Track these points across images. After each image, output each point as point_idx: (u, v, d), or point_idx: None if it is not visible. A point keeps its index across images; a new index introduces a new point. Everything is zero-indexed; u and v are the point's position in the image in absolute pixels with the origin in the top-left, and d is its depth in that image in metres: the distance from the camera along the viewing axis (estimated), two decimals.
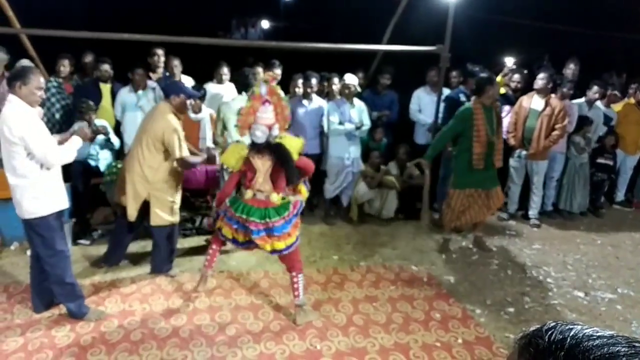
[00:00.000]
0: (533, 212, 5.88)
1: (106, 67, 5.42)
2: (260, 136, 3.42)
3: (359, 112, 5.43)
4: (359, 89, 5.63)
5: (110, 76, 5.48)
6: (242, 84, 4.94)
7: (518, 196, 5.94)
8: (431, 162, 4.85)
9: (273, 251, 3.50)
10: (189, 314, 3.64)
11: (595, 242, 5.51)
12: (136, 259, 4.44)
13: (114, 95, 5.40)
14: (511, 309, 4.01)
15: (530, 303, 4.14)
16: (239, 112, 3.57)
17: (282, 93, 3.57)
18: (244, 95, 4.67)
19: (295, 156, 3.51)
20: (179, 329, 3.46)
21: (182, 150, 3.90)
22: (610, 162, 6.23)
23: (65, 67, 5.27)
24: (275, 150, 3.45)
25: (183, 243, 4.85)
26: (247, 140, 3.60)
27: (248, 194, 3.49)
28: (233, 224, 3.49)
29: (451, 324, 3.72)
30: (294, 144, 3.54)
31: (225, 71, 5.58)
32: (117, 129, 5.31)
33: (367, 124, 5.49)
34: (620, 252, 5.26)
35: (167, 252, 4.20)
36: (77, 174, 4.73)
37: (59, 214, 3.35)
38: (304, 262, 4.56)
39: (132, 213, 4.00)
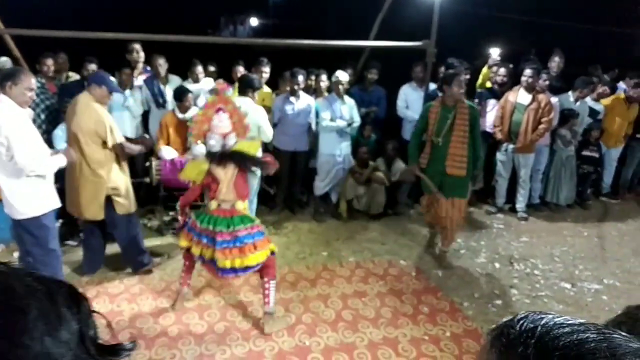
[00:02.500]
0: (520, 205, 5.93)
1: (93, 66, 5.37)
2: (214, 145, 3.36)
3: (349, 109, 5.43)
4: (348, 86, 5.64)
5: None
6: (245, 86, 4.81)
7: (505, 189, 5.98)
8: (416, 163, 4.53)
9: (233, 269, 3.31)
10: (177, 313, 3.64)
11: (582, 233, 5.56)
12: (121, 259, 4.43)
13: None
14: (499, 302, 4.05)
15: (517, 295, 4.19)
16: (191, 120, 3.54)
17: (236, 102, 3.50)
18: (245, 98, 4.63)
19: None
20: (168, 328, 3.46)
21: (115, 137, 3.78)
22: (596, 155, 6.29)
23: (48, 66, 5.22)
24: (233, 157, 3.39)
25: (172, 242, 4.84)
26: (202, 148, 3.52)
27: (213, 204, 3.40)
28: (202, 239, 3.38)
29: (439, 318, 3.75)
30: (250, 147, 3.55)
31: (200, 69, 5.56)
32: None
33: (357, 120, 5.51)
34: (607, 244, 5.32)
35: (140, 242, 4.16)
36: (63, 175, 4.70)
37: (52, 213, 3.34)
38: (294, 259, 4.62)
39: (95, 213, 3.87)
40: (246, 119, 3.52)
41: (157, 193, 4.99)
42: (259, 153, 3.86)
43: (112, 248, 4.48)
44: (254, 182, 4.79)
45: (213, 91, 3.45)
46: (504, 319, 0.66)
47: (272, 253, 3.50)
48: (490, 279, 4.44)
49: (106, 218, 3.96)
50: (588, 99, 6.26)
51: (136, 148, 4.09)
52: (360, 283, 4.24)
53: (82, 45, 5.55)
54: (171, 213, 5.37)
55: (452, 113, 4.31)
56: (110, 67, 5.55)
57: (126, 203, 3.98)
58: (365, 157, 5.63)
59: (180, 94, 4.91)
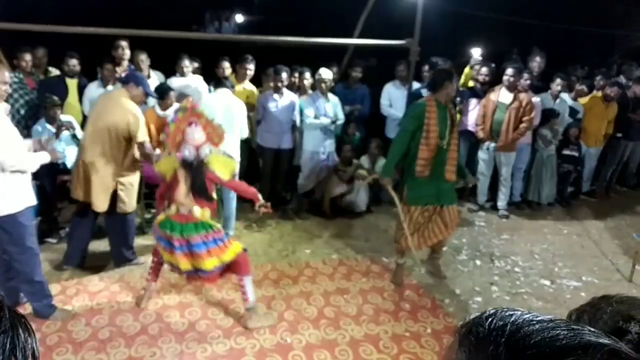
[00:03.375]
0: (502, 203, 5.99)
1: (74, 62, 5.30)
2: (188, 156, 3.35)
3: (333, 106, 5.44)
4: (332, 83, 5.65)
5: (77, 71, 5.36)
6: (221, 84, 4.84)
7: (487, 187, 6.04)
8: (391, 176, 4.09)
9: (195, 270, 3.35)
10: (157, 311, 3.61)
11: (561, 231, 5.64)
12: (103, 257, 4.38)
13: (80, 90, 5.29)
14: (479, 299, 4.10)
15: (498, 292, 4.24)
16: (163, 132, 3.69)
17: (207, 114, 3.49)
18: (224, 89, 4.66)
19: (226, 176, 3.48)
20: (148, 326, 3.43)
21: (144, 134, 3.99)
22: (576, 154, 6.38)
23: (26, 61, 5.13)
24: (193, 166, 3.36)
25: (153, 240, 4.79)
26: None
27: (172, 209, 3.36)
28: (161, 242, 3.41)
29: (420, 314, 3.78)
30: (224, 165, 3.52)
31: (187, 64, 5.50)
32: (84, 125, 5.21)
33: (341, 118, 5.51)
34: (586, 242, 5.40)
35: (131, 239, 4.28)
36: (44, 172, 4.61)
37: (28, 210, 3.28)
38: (277, 256, 4.61)
39: (102, 205, 3.97)
40: (218, 128, 3.46)
41: (139, 190, 4.93)
42: (235, 171, 3.85)
43: (92, 245, 4.44)
44: (236, 178, 4.77)
45: (182, 109, 3.43)
46: (471, 316, 0.65)
47: (245, 250, 3.53)
48: (471, 276, 4.49)
49: (106, 212, 4.06)
50: (567, 98, 6.35)
51: (152, 151, 4.17)
52: (343, 280, 4.25)
53: (63, 40, 5.46)
54: (152, 211, 5.32)
55: (446, 112, 3.98)
56: (91, 62, 5.49)
57: (128, 202, 4.09)
58: (350, 155, 5.64)
59: (162, 92, 4.87)
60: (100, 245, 4.49)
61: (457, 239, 5.23)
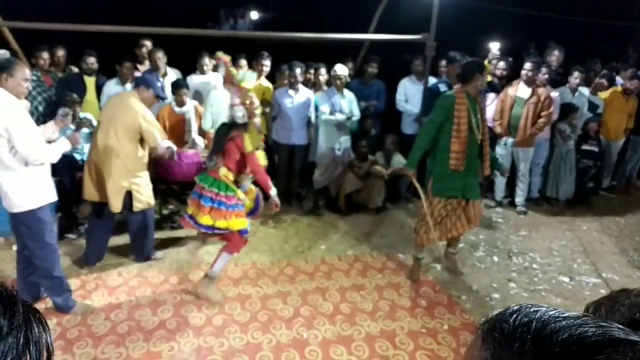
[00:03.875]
0: (519, 199, 5.92)
1: (92, 60, 5.37)
2: (241, 116, 3.67)
3: (349, 103, 5.42)
4: (348, 79, 5.63)
5: (95, 69, 5.43)
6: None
7: (505, 183, 5.98)
8: (416, 169, 4.04)
9: (207, 227, 3.64)
10: (175, 305, 3.65)
11: (580, 228, 5.56)
12: (122, 251, 4.44)
13: (98, 88, 5.36)
14: (497, 295, 4.06)
15: (515, 289, 4.19)
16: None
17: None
18: None
19: (248, 147, 3.65)
20: (166, 320, 3.47)
21: (157, 138, 3.99)
22: (596, 149, 6.27)
23: (44, 59, 5.21)
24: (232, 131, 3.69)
25: (170, 236, 4.85)
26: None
27: (211, 164, 3.77)
28: (194, 195, 3.72)
29: (437, 311, 3.76)
30: (252, 138, 3.69)
31: (207, 62, 5.53)
32: None
33: (357, 114, 5.49)
34: (605, 238, 5.32)
35: (150, 235, 4.33)
36: (63, 168, 4.69)
37: (48, 206, 3.34)
38: (292, 252, 4.63)
39: (117, 205, 4.00)
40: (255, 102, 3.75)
41: (156, 186, 4.98)
42: (260, 146, 3.97)
43: (111, 241, 4.50)
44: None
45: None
46: (494, 312, 0.63)
47: (242, 232, 3.68)
48: (489, 272, 4.45)
49: (124, 210, 4.10)
50: (586, 92, 6.25)
51: (170, 145, 4.20)
52: (359, 276, 4.25)
53: (81, 38, 5.54)
54: (170, 207, 5.38)
55: (475, 104, 3.92)
56: (109, 60, 5.55)
57: (144, 199, 4.11)
58: (365, 151, 5.62)
59: (176, 87, 4.90)
60: (120, 240, 4.55)
61: (475, 235, 5.19)
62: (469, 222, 4.10)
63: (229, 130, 3.70)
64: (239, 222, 3.61)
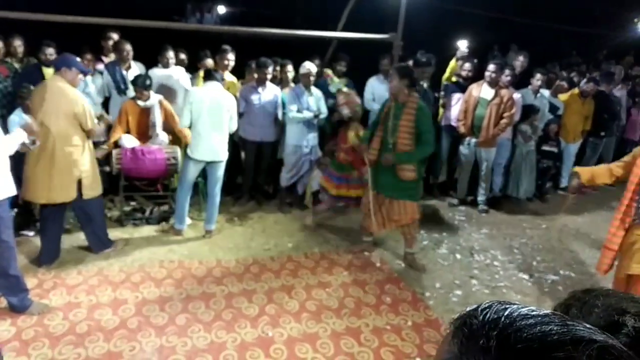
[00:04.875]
0: (481, 198, 6.05)
1: (50, 50, 5.18)
2: (348, 113, 4.94)
3: (316, 100, 5.40)
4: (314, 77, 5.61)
5: (54, 61, 5.24)
6: (211, 77, 4.73)
7: (467, 182, 6.10)
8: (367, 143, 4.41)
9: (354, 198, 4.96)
10: (137, 304, 3.57)
11: (540, 226, 5.73)
12: (81, 250, 4.32)
13: None
14: (459, 292, 4.14)
15: (477, 286, 4.28)
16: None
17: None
18: (215, 84, 4.58)
19: (352, 140, 4.81)
20: (127, 320, 3.39)
21: (92, 120, 3.95)
22: (555, 149, 6.47)
23: None
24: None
25: (133, 233, 4.75)
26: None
27: (342, 155, 4.95)
28: (334, 180, 4.93)
29: (401, 307, 3.81)
30: (356, 133, 4.85)
31: (171, 55, 5.42)
32: None
33: (324, 112, 5.48)
34: (563, 236, 5.50)
35: (104, 224, 4.30)
36: (20, 162, 4.52)
37: (6, 201, 3.20)
38: (258, 250, 4.60)
39: (72, 194, 3.92)
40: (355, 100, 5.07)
41: (118, 182, 4.86)
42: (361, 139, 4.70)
43: (71, 239, 4.38)
44: (220, 172, 4.73)
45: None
46: (467, 308, 0.64)
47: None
48: (452, 269, 4.53)
49: (74, 201, 4.00)
50: (546, 93, 6.43)
51: (101, 130, 4.22)
52: (325, 274, 4.25)
53: (40, 29, 5.34)
54: (132, 203, 5.26)
55: (401, 111, 4.15)
56: (73, 52, 5.36)
57: (95, 186, 4.07)
58: (333, 149, 5.62)
59: (140, 82, 4.79)
60: (79, 239, 4.43)
61: (438, 232, 5.28)
62: (394, 220, 4.39)
63: (337, 125, 4.99)
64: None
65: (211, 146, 4.57)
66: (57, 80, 3.82)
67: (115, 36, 5.46)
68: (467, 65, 6.00)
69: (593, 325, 0.55)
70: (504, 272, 4.57)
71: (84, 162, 3.94)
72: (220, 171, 4.71)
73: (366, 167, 4.47)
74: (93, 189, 4.05)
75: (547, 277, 4.52)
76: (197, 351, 3.13)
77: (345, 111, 4.91)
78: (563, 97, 6.60)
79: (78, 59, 4.13)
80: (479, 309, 0.60)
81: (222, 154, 4.65)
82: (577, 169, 3.54)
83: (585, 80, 6.51)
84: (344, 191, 4.95)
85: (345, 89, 5.38)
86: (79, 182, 3.95)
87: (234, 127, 4.80)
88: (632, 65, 8.95)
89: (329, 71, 5.20)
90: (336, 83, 5.32)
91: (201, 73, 5.40)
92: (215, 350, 3.15)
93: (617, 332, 0.57)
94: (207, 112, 4.49)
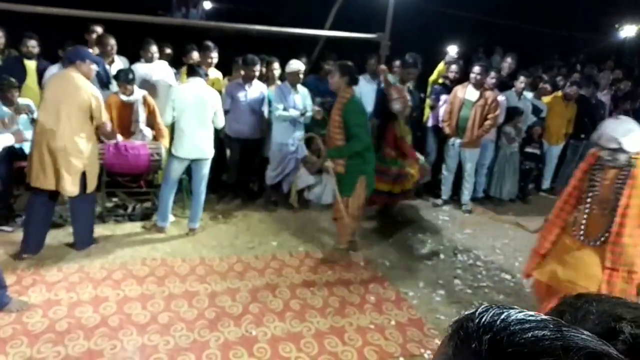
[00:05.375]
0: (465, 199, 6.10)
1: (32, 43, 5.09)
2: (399, 108, 5.02)
3: (303, 98, 5.39)
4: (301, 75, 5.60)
5: (36, 53, 5.15)
6: (194, 73, 4.66)
7: (451, 183, 6.14)
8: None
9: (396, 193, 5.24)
10: (118, 302, 3.52)
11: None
12: (62, 246, 4.24)
13: (40, 73, 5.08)
14: (442, 292, 4.16)
15: (460, 285, 4.31)
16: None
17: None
18: (197, 78, 4.52)
19: (402, 132, 5.15)
20: (108, 318, 3.34)
21: (106, 115, 4.05)
22: (538, 152, 6.55)
23: None
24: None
25: (115, 230, 4.68)
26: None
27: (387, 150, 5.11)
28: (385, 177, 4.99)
29: (385, 307, 3.81)
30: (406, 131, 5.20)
31: (155, 49, 5.35)
32: None
33: (310, 110, 5.47)
34: None
35: (93, 220, 4.32)
36: (0, 157, 4.43)
37: None
38: (243, 248, 4.57)
39: (74, 189, 3.92)
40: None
41: (100, 178, 4.78)
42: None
43: (51, 235, 4.29)
44: (206, 170, 4.68)
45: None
46: (466, 312, 0.65)
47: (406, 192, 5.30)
48: (435, 269, 4.56)
49: (74, 195, 4.01)
50: (529, 96, 6.51)
51: (111, 129, 4.27)
52: (309, 273, 4.24)
53: (23, 21, 5.23)
54: (114, 199, 5.18)
55: (341, 106, 4.28)
56: (52, 44, 5.28)
57: (95, 180, 4.11)
58: (319, 147, 5.61)
59: (124, 77, 4.72)
60: (60, 234, 4.35)
61: (422, 232, 5.31)
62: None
63: (387, 118, 5.04)
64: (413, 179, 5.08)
65: (196, 144, 4.51)
66: (73, 72, 3.86)
67: (99, 30, 5.38)
68: (454, 68, 6.05)
69: (589, 332, 0.55)
70: (486, 272, 4.61)
71: (88, 154, 3.97)
72: (206, 169, 4.66)
73: (412, 158, 5.14)
74: (93, 182, 4.10)
75: (530, 278, 4.56)
76: (179, 350, 3.09)
77: (397, 105, 4.97)
78: (546, 99, 6.69)
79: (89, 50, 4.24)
80: (477, 312, 0.60)
81: (207, 152, 4.60)
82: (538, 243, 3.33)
83: (568, 83, 6.60)
84: (381, 185, 4.96)
85: (398, 84, 5.38)
86: (83, 175, 3.97)
87: (220, 123, 4.73)
88: (612, 69, 9.11)
89: (383, 66, 5.26)
90: (392, 78, 5.36)
91: (184, 69, 5.35)
92: (198, 349, 3.12)
93: (614, 339, 0.57)
94: (190, 109, 4.43)
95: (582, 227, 2.95)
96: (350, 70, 4.26)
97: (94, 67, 4.06)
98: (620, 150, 2.74)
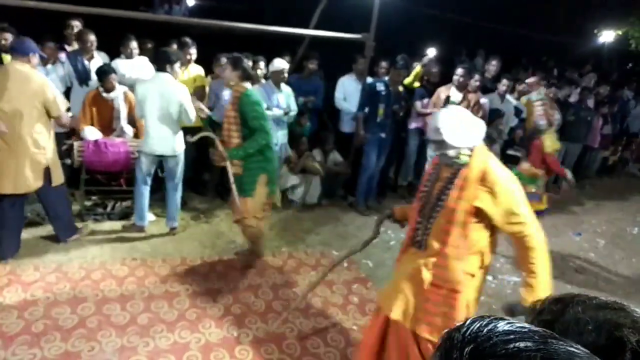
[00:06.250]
0: None
1: (7, 36, 4.95)
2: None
3: (286, 98, 5.35)
4: (286, 75, 5.56)
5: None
6: (163, 61, 4.55)
7: None
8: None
9: None
10: (97, 303, 3.44)
11: None
12: (39, 245, 4.14)
13: None
14: None
15: None
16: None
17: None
18: (164, 74, 4.40)
19: (547, 148, 5.02)
20: (86, 319, 3.26)
21: (61, 106, 3.92)
22: (519, 154, 6.60)
23: None
24: None
25: (94, 229, 4.59)
26: None
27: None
28: None
29: (368, 307, 3.80)
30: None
31: (135, 45, 5.26)
32: None
33: (294, 109, 5.44)
34: None
35: (70, 210, 4.26)
36: None
37: None
38: (225, 248, 4.51)
39: (37, 183, 3.85)
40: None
41: (79, 176, 4.69)
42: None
43: (28, 233, 4.19)
44: (177, 167, 4.58)
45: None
46: (459, 322, 0.64)
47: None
48: None
49: (41, 189, 3.93)
50: (511, 98, 6.58)
51: (70, 119, 4.15)
52: (292, 273, 4.21)
53: (6, 14, 5.11)
54: (93, 198, 5.08)
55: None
56: (35, 39, 5.13)
57: (60, 173, 4.03)
58: (304, 148, 5.60)
59: (104, 73, 4.63)
60: (37, 233, 4.25)
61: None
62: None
63: (532, 134, 5.03)
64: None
65: (160, 139, 4.36)
66: (19, 65, 3.70)
67: (77, 23, 5.25)
68: (434, 71, 6.05)
69: (593, 344, 0.54)
70: None
71: (49, 149, 3.89)
72: (175, 166, 4.53)
73: (561, 175, 5.20)
74: (59, 175, 4.02)
75: (510, 280, 4.61)
76: (159, 352, 3.04)
77: (542, 122, 5.05)
78: (524, 101, 6.75)
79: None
80: (466, 322, 0.59)
81: (174, 148, 4.46)
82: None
83: (546, 85, 6.67)
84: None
85: (541, 100, 5.52)
86: (47, 170, 3.89)
87: (188, 120, 4.55)
88: (589, 72, 9.28)
89: (533, 79, 5.63)
90: (536, 95, 5.55)
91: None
92: (179, 350, 3.07)
93: (622, 350, 0.56)
94: (153, 105, 4.30)
95: (412, 232, 2.59)
96: (243, 64, 3.90)
97: (40, 65, 4.01)
98: (444, 142, 2.33)
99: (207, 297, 3.67)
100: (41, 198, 4.06)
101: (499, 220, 2.30)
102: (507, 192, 2.29)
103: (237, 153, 3.88)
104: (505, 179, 2.33)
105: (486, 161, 2.36)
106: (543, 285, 2.31)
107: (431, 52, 6.86)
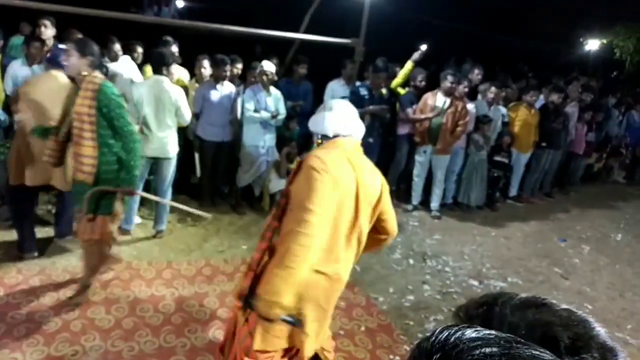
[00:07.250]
0: (434, 204, 6.18)
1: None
2: None
3: (275, 101, 5.34)
4: (275, 77, 5.56)
5: None
6: (158, 64, 4.50)
7: (422, 189, 6.21)
8: None
9: None
10: (81, 306, 3.40)
11: (489, 234, 5.89)
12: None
13: (2, 68, 4.90)
14: (411, 297, 4.19)
15: (429, 291, 4.35)
16: None
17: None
18: (160, 77, 4.38)
19: None
20: (70, 322, 3.22)
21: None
22: (506, 160, 6.69)
23: None
24: None
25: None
26: None
27: None
28: None
29: (355, 312, 3.81)
30: None
31: (118, 47, 5.24)
32: (6, 104, 4.83)
33: (282, 112, 5.43)
34: (512, 244, 5.67)
35: (72, 210, 4.18)
36: None
37: None
38: (212, 252, 4.49)
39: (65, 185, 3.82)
40: None
41: None
42: None
43: (10, 235, 4.13)
44: (170, 170, 4.57)
45: None
46: (432, 318, 0.65)
47: None
48: (405, 274, 4.58)
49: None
50: (500, 107, 6.63)
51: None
52: None
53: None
54: None
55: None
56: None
57: None
58: (293, 152, 5.59)
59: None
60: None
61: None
62: None
63: None
64: None
65: (155, 142, 4.37)
66: (60, 76, 3.73)
67: (47, 22, 5.24)
68: (420, 76, 6.08)
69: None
70: (454, 277, 4.66)
71: None
72: (168, 168, 4.53)
73: None
74: None
75: (496, 284, 4.65)
76: (144, 356, 3.01)
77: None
78: (511, 108, 6.81)
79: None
80: (437, 330, 0.60)
81: (168, 150, 4.48)
82: None
83: (531, 92, 6.74)
84: None
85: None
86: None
87: (184, 121, 4.58)
88: (574, 79, 9.39)
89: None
90: None
91: (148, 67, 5.26)
92: (164, 355, 3.04)
93: (557, 349, 0.58)
94: (148, 107, 4.30)
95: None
96: (92, 51, 3.22)
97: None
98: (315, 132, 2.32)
99: (193, 301, 3.64)
100: (64, 195, 4.08)
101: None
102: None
103: (128, 177, 3.31)
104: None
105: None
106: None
107: (423, 47, 6.87)
